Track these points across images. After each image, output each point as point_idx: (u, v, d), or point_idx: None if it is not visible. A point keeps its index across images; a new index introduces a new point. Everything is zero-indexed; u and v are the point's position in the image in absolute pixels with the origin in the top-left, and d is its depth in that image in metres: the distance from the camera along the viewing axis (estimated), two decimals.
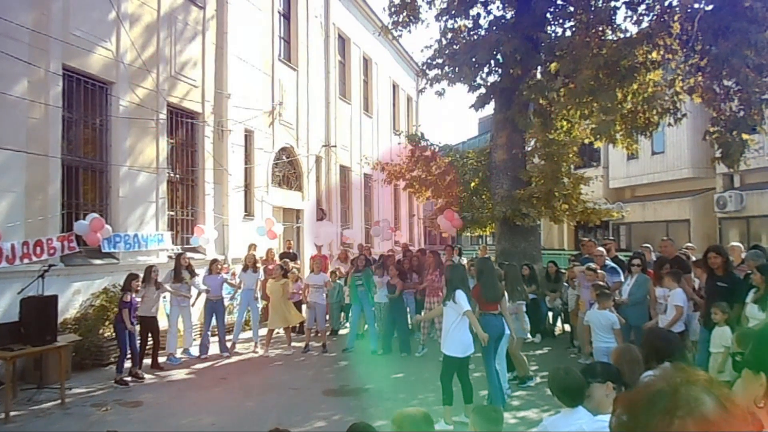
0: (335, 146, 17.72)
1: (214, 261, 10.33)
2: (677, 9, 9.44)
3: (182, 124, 11.89)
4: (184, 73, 11.75)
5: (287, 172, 15.60)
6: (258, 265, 10.88)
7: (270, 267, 11.31)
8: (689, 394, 1.08)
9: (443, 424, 6.10)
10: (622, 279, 8.47)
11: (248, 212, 13.56)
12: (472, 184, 13.55)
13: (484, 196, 13.48)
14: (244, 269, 10.66)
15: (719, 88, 9.91)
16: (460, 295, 6.20)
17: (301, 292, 11.04)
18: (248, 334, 10.83)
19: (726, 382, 1.50)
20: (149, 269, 8.91)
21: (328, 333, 11.06)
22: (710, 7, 8.97)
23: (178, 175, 11.79)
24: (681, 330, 6.91)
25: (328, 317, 11.54)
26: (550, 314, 11.56)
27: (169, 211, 11.38)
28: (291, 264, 12.32)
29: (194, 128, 12.21)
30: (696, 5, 9.06)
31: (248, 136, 13.65)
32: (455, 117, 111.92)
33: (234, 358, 9.76)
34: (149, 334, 8.83)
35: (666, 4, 9.65)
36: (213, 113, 12.49)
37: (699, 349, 6.71)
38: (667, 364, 4.04)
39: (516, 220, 11.34)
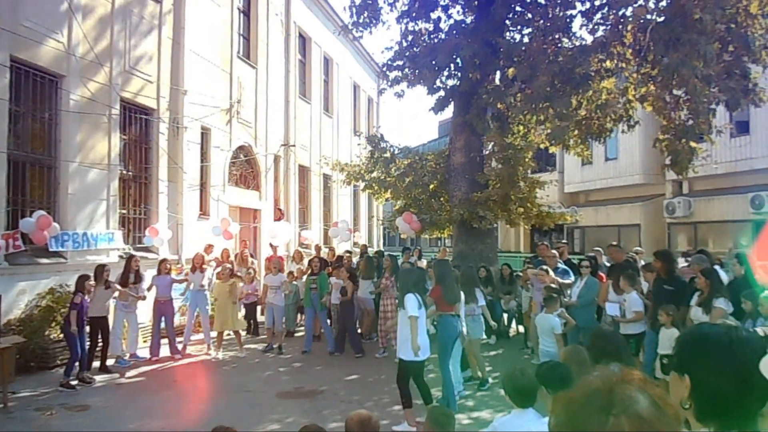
0: (294, 146, 17.56)
1: (163, 261, 10.06)
2: (631, 19, 9.70)
3: (136, 120, 11.59)
4: (139, 67, 11.45)
5: (244, 171, 15.38)
6: (205, 265, 10.53)
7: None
8: (624, 393, 1.10)
9: (406, 426, 6.11)
10: (572, 280, 8.68)
11: (203, 211, 13.31)
12: (431, 187, 13.63)
13: (442, 199, 13.58)
14: (192, 270, 10.37)
15: (669, 97, 10.24)
16: (408, 299, 6.23)
17: (257, 292, 10.80)
18: (201, 335, 10.61)
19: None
20: (101, 268, 8.63)
21: (284, 335, 10.93)
22: (662, 18, 9.25)
23: (130, 173, 11.49)
24: (642, 331, 7.12)
25: (284, 319, 11.42)
26: (505, 316, 11.72)
27: (121, 209, 11.07)
28: (250, 263, 12.20)
29: (148, 124, 11.91)
30: (648, 16, 9.32)
31: (205, 133, 13.40)
32: (416, 119, 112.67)
33: (185, 361, 9.57)
34: (99, 336, 8.55)
35: (620, 14, 9.91)
36: (168, 109, 12.22)
37: (646, 350, 6.91)
38: (613, 364, 4.15)
39: (473, 223, 11.46)
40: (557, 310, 7.03)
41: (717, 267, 7.66)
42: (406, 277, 6.61)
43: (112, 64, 10.70)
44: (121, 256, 10.52)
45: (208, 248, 11.72)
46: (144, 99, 11.63)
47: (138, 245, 11.31)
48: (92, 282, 8.19)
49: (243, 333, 10.73)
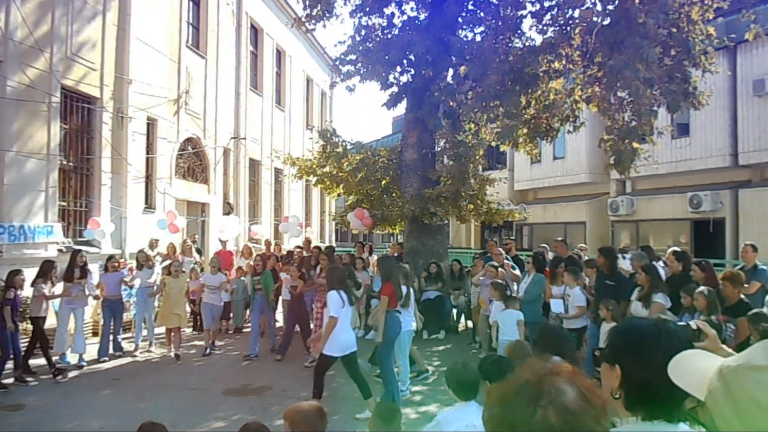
0: (245, 139, 17.27)
1: (111, 258, 9.59)
2: (578, 21, 9.93)
3: (78, 109, 11.16)
4: (82, 54, 11.03)
5: (192, 164, 15.04)
6: (151, 262, 10.05)
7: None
8: (552, 385, 1.12)
9: (367, 412, 6.18)
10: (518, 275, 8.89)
11: (149, 204, 12.95)
12: (383, 182, 13.63)
13: (394, 195, 13.60)
14: (138, 267, 9.88)
15: (614, 98, 10.52)
16: (330, 297, 6.30)
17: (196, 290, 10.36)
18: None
19: None
20: (49, 264, 8.22)
21: (231, 331, 10.75)
22: (608, 21, 9.50)
23: (71, 163, 11.06)
24: (584, 325, 7.33)
25: (232, 315, 11.24)
26: (455, 311, 11.85)
27: (61, 201, 10.66)
28: (196, 260, 11.91)
29: (91, 114, 11.48)
30: (595, 19, 9.56)
31: (151, 124, 13.02)
32: (371, 115, 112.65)
33: (128, 359, 9.26)
34: (39, 335, 8.14)
35: (568, 16, 10.13)
36: (112, 98, 11.82)
37: (588, 344, 7.10)
38: (557, 358, 4.25)
39: (424, 219, 11.53)
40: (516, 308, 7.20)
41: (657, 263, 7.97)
42: (331, 274, 6.61)
43: (53, 50, 10.27)
44: (60, 250, 10.13)
45: (154, 243, 11.40)
46: (86, 87, 11.20)
47: (78, 239, 10.90)
48: (23, 277, 7.82)
49: (188, 330, 10.48)
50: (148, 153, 12.93)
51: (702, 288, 5.61)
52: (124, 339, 9.84)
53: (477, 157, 13.34)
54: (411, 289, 7.48)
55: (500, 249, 9.85)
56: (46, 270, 8.19)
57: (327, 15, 12.70)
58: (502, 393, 1.17)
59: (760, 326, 4.69)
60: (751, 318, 4.97)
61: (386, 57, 11.49)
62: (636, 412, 1.49)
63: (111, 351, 9.31)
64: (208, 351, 9.60)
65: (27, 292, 8.24)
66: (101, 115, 11.52)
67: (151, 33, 12.92)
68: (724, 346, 2.05)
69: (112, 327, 9.33)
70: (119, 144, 11.88)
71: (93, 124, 11.55)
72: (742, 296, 5.80)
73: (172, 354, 9.31)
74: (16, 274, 7.75)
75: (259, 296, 9.82)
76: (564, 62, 10.84)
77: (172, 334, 9.52)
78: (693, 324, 2.26)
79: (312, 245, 13.36)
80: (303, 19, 13.00)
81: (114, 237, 11.54)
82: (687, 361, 1.25)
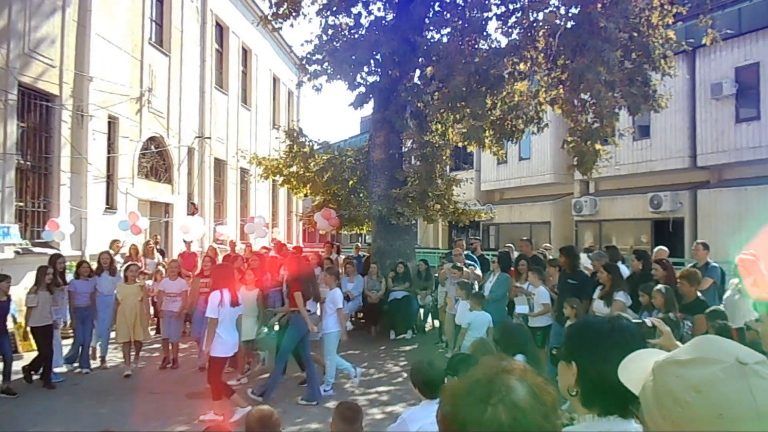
0: (210, 138, 17.02)
1: (82, 263, 8.82)
2: (542, 24, 10.07)
3: (36, 107, 10.82)
4: (40, 51, 10.70)
5: (156, 164, 14.76)
6: (115, 266, 9.17)
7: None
8: (503, 383, 1.13)
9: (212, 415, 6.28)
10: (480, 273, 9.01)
11: (110, 205, 12.65)
12: (351, 183, 13.61)
13: (361, 195, 13.60)
14: (98, 271, 8.77)
15: (577, 100, 10.72)
16: (211, 297, 6.32)
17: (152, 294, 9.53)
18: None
19: None
20: (43, 270, 7.71)
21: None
22: (570, 24, 9.66)
23: (29, 163, 10.72)
24: (549, 323, 7.43)
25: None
26: (422, 311, 11.89)
27: (18, 201, 10.31)
28: (158, 261, 11.66)
29: (50, 112, 11.16)
30: (558, 22, 9.71)
31: (112, 123, 12.73)
32: (339, 114, 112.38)
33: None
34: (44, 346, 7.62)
35: (532, 19, 10.26)
36: (72, 96, 11.50)
37: (551, 342, 7.20)
38: (519, 356, 4.31)
39: (391, 219, 11.55)
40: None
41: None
42: (216, 273, 6.62)
43: (10, 46, 9.94)
44: (17, 252, 9.82)
45: (115, 244, 11.12)
46: (45, 84, 10.88)
47: (37, 240, 10.58)
48: (8, 284, 7.32)
49: (152, 332, 10.03)
50: (109, 152, 12.63)
51: (659, 286, 5.75)
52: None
53: (444, 157, 13.41)
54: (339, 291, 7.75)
55: (459, 249, 9.95)
56: (39, 276, 7.70)
57: (294, 14, 12.62)
58: (454, 392, 1.18)
59: (717, 323, 4.82)
60: (709, 315, 5.11)
61: (353, 57, 11.45)
62: (592, 409, 1.52)
63: (78, 366, 8.48)
64: (168, 364, 8.74)
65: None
66: (60, 113, 11.20)
67: (113, 29, 12.63)
68: (678, 343, 2.10)
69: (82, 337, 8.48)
70: (79, 143, 11.58)
71: (52, 123, 11.22)
72: (699, 294, 5.97)
73: (129, 372, 8.22)
74: (2, 280, 7.30)
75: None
76: (529, 64, 10.98)
77: (131, 348, 8.49)
78: (648, 321, 2.32)
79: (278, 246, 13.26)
80: (269, 18, 12.88)
81: (74, 238, 11.24)
82: (636, 359, 1.27)
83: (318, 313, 7.76)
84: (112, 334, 8.70)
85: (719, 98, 15.44)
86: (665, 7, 10.09)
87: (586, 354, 1.53)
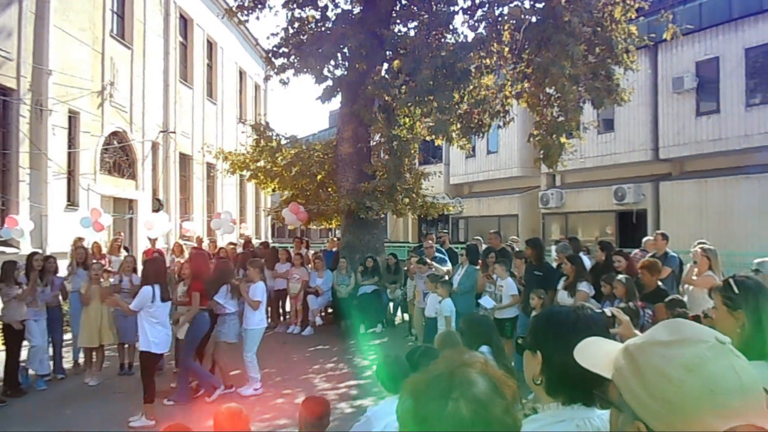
0: (174, 132, 16.71)
1: (49, 258, 8.17)
2: (507, 18, 10.14)
3: None
4: None
5: (119, 159, 14.43)
6: (89, 261, 8.54)
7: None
8: (463, 377, 1.12)
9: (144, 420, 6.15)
10: (449, 267, 9.05)
11: (72, 202, 12.32)
12: (319, 177, 13.52)
13: (330, 189, 13.52)
14: (71, 266, 8.50)
15: (542, 94, 10.84)
16: (141, 292, 6.23)
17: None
18: None
19: None
20: (12, 265, 7.36)
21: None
22: (535, 18, 9.74)
23: None
24: (516, 315, 7.51)
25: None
26: (391, 304, 11.91)
27: None
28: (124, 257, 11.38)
29: (7, 106, 10.83)
30: (523, 16, 9.79)
31: (73, 117, 12.39)
32: (307, 108, 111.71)
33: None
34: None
35: (498, 13, 10.33)
36: (30, 90, 11.16)
37: (518, 332, 7.29)
38: (484, 347, 4.34)
39: (360, 213, 11.50)
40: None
41: (583, 254, 8.30)
42: (147, 267, 6.51)
43: None
44: None
45: (78, 242, 10.81)
46: (2, 78, 10.55)
47: None
48: None
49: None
50: (70, 148, 12.30)
51: (620, 276, 5.88)
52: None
53: (412, 151, 13.43)
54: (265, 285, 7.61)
55: (430, 242, 10.01)
56: (8, 271, 7.29)
57: (259, 6, 12.46)
58: (415, 387, 1.17)
59: (676, 311, 4.93)
60: (668, 304, 5.23)
61: (320, 50, 11.37)
62: (557, 398, 1.54)
63: (52, 371, 7.89)
64: (125, 370, 8.14)
65: None
66: (18, 107, 10.87)
67: (73, 22, 12.28)
68: (637, 332, 2.14)
69: (51, 339, 7.89)
70: (38, 138, 11.24)
71: (9, 117, 10.90)
72: (659, 283, 6.11)
73: (93, 383, 7.60)
74: None
75: None
76: (495, 58, 11.06)
77: (93, 354, 7.87)
78: (608, 311, 2.35)
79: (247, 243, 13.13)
80: (234, 10, 12.68)
81: (34, 236, 10.91)
82: (592, 345, 1.29)
83: (233, 309, 7.37)
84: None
85: (680, 92, 15.79)
86: (627, 2, 10.26)
87: (551, 343, 1.55)
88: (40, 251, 8.90)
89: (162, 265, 6.79)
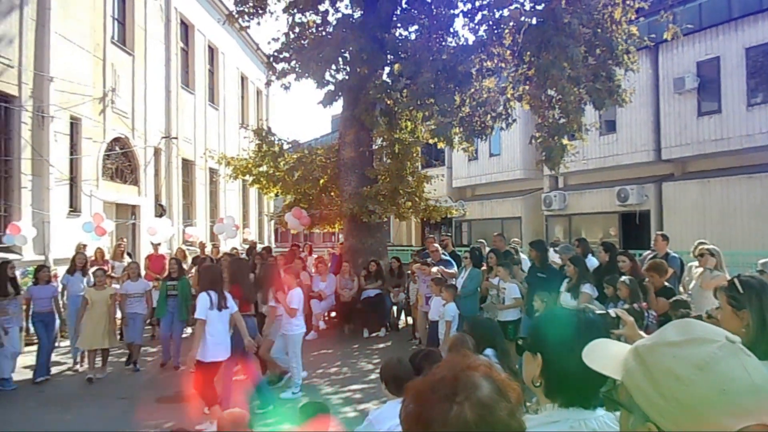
0: (177, 138, 16.75)
1: (41, 268, 8.51)
2: (508, 21, 10.15)
3: None
4: None
5: (121, 165, 14.46)
6: (88, 267, 9.06)
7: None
8: (468, 380, 1.12)
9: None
10: (455, 270, 9.02)
11: (74, 208, 12.36)
12: (321, 181, 13.53)
13: (332, 193, 13.53)
14: (71, 272, 8.78)
15: (543, 96, 10.83)
16: (199, 299, 6.09)
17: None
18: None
19: None
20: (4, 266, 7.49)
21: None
22: (535, 20, 9.74)
23: None
24: (519, 317, 7.50)
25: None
26: (395, 308, 11.89)
27: None
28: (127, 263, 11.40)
29: (9, 113, 10.87)
30: (523, 18, 9.79)
31: (75, 124, 12.44)
32: (309, 113, 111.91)
33: (53, 369, 8.72)
34: None
35: (498, 15, 10.33)
36: (32, 97, 11.21)
37: (521, 335, 7.27)
38: (489, 350, 4.32)
39: (363, 217, 11.51)
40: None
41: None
42: (203, 275, 6.39)
43: None
44: None
45: (81, 248, 10.84)
46: (3, 85, 10.61)
47: None
48: None
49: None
50: (72, 154, 12.34)
51: (624, 278, 5.86)
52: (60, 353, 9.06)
53: (414, 154, 13.46)
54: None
55: (436, 245, 9.98)
56: None
57: (260, 11, 12.49)
58: (418, 390, 1.16)
59: (680, 312, 4.92)
60: (672, 305, 5.21)
61: (321, 55, 11.37)
62: (554, 399, 1.54)
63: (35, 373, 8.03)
64: (135, 367, 8.47)
65: None
66: (20, 114, 10.92)
67: (74, 28, 12.34)
68: (642, 333, 2.13)
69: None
70: (40, 145, 11.29)
71: (11, 124, 10.94)
72: (666, 283, 6.10)
73: (95, 377, 7.93)
74: None
75: (171, 302, 8.77)
76: (496, 61, 11.06)
77: (97, 354, 8.10)
78: (612, 312, 2.34)
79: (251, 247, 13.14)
80: (235, 16, 12.71)
81: (36, 242, 10.95)
82: (600, 346, 1.28)
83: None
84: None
85: (682, 92, 15.77)
86: (627, 2, 10.25)
87: (551, 346, 1.55)
88: (8, 258, 8.83)
89: (218, 273, 6.52)
